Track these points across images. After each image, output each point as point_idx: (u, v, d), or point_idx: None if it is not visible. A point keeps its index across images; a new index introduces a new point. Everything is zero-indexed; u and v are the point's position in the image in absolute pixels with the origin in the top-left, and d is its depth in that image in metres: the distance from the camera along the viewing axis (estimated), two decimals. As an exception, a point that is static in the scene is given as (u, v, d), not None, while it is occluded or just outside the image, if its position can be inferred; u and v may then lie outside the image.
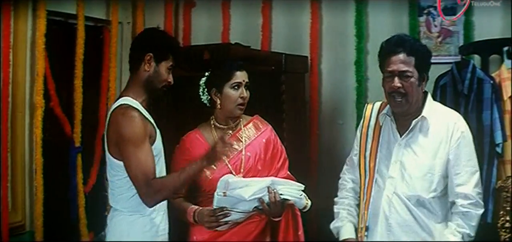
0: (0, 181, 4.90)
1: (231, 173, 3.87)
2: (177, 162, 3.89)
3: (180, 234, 4.04)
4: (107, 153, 3.72)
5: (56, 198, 5.38)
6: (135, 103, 3.64)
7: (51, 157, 5.27)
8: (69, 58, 5.47)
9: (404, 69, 3.49)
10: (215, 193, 3.72)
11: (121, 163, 3.62)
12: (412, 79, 3.49)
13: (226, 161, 3.87)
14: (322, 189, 5.61)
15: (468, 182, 3.55)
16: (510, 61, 4.83)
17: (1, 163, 4.91)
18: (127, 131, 3.54)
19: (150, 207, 3.61)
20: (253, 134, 4.05)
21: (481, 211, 3.61)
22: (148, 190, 3.53)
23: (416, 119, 3.55)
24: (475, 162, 3.62)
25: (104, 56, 5.87)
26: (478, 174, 3.61)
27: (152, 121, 3.67)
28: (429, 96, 3.63)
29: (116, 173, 3.67)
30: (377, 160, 3.68)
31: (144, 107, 3.67)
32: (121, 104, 3.65)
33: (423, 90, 3.59)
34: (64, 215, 5.54)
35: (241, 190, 3.71)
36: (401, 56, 3.49)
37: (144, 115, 3.60)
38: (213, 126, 3.97)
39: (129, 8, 6.10)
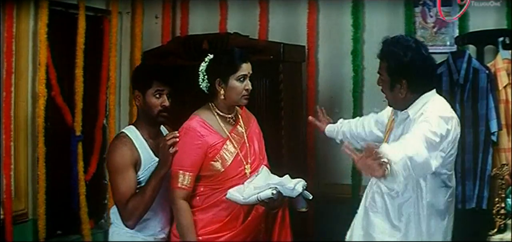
0: (2, 170, 4.97)
1: (242, 162, 3.87)
2: (188, 147, 3.78)
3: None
4: None
5: (58, 186, 5.45)
6: (133, 132, 3.95)
7: (53, 146, 5.33)
8: (69, 48, 5.51)
9: (379, 71, 3.63)
10: (269, 191, 3.68)
11: None
12: (384, 83, 3.60)
13: (238, 150, 3.87)
14: (319, 176, 5.70)
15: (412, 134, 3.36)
16: (505, 51, 4.87)
17: (4, 152, 4.98)
18: (110, 159, 3.90)
19: (131, 228, 3.89)
20: (248, 123, 4.05)
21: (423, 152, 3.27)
22: (124, 213, 3.84)
23: (401, 114, 3.62)
24: (428, 132, 3.33)
25: (104, 46, 5.92)
26: (428, 135, 3.32)
27: (144, 150, 3.92)
28: (424, 98, 3.56)
29: None
30: None
31: (146, 136, 3.95)
32: (119, 132, 4.06)
33: (403, 96, 3.54)
34: (66, 203, 5.60)
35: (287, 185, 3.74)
36: (380, 60, 3.62)
37: (134, 145, 3.89)
38: (215, 113, 3.89)
39: (128, -2, 6.14)
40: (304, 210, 3.93)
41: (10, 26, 4.97)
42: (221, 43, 5.20)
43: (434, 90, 3.60)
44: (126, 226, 3.88)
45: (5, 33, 4.94)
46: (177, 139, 3.75)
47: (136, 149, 3.87)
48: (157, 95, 3.88)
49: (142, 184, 3.85)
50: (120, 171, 3.81)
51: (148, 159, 3.89)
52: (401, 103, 3.60)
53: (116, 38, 5.96)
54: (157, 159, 3.87)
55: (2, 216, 4.96)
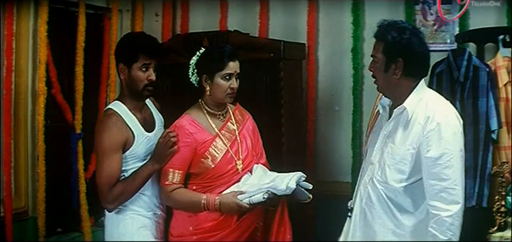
0: (2, 168, 4.97)
1: (233, 158, 3.88)
2: (179, 146, 3.78)
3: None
4: None
5: (58, 184, 5.46)
6: (121, 108, 3.84)
7: (53, 143, 5.34)
8: (70, 46, 5.52)
9: (373, 53, 3.54)
10: (260, 195, 3.70)
11: None
12: (378, 64, 3.49)
13: (228, 147, 3.88)
14: (318, 173, 5.70)
15: (437, 178, 3.32)
16: (505, 49, 4.87)
17: (4, 150, 4.99)
18: (99, 139, 3.77)
19: (110, 211, 3.85)
20: (241, 120, 4.05)
21: (455, 207, 3.28)
22: (108, 196, 3.78)
23: (397, 109, 3.50)
24: (451, 157, 3.32)
25: (104, 44, 5.93)
26: (454, 169, 3.31)
27: (135, 126, 3.83)
28: (419, 87, 3.49)
29: None
30: (369, 145, 3.74)
31: (133, 110, 3.86)
32: (107, 109, 3.90)
33: (397, 78, 3.44)
34: (66, 200, 5.61)
35: (279, 187, 3.73)
36: (376, 41, 3.53)
37: (125, 122, 3.79)
38: (205, 111, 3.91)
39: (128, -4, 6.13)
40: (307, 200, 3.93)
41: (10, 24, 4.98)
42: (221, 40, 5.20)
43: (423, 81, 3.51)
44: (105, 208, 3.85)
45: (5, 31, 4.96)
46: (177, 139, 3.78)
47: (127, 125, 3.79)
48: (144, 69, 3.80)
49: (135, 159, 3.82)
50: (107, 153, 3.74)
51: (140, 135, 3.84)
52: (394, 89, 3.50)
53: (116, 36, 5.95)
54: (147, 134, 3.86)
55: (2, 214, 4.97)
